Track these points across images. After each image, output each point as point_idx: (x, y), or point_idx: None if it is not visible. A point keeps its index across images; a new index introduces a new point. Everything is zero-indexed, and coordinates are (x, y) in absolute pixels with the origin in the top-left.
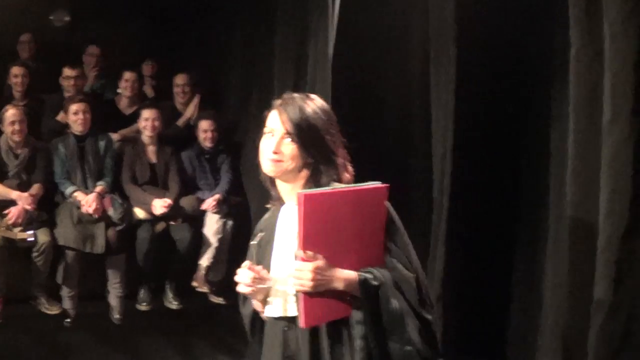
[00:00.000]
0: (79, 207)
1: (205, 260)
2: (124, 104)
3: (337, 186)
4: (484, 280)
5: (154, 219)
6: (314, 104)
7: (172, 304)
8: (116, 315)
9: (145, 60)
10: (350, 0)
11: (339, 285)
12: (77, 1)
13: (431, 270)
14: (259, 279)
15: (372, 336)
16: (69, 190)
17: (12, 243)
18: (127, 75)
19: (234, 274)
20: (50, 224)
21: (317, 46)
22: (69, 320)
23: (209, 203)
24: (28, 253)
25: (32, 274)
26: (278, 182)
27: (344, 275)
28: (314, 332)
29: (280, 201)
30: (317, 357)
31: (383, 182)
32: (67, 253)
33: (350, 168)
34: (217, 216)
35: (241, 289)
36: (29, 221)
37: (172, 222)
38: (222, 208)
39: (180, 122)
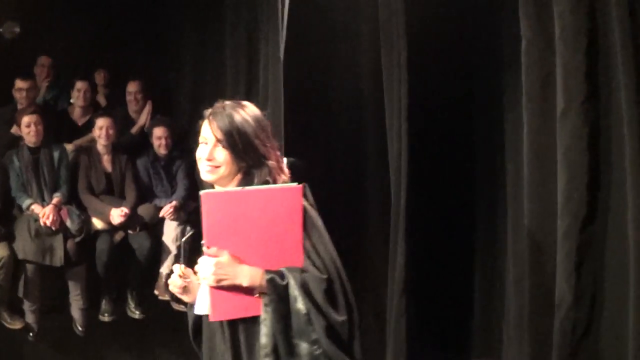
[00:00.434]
0: (36, 220)
1: (165, 268)
2: (77, 114)
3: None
4: (445, 276)
5: (112, 229)
6: (244, 111)
7: (135, 313)
8: (79, 327)
9: (97, 69)
10: (299, 1)
11: (244, 281)
12: (26, 12)
13: (392, 267)
14: (184, 277)
15: (279, 335)
16: (25, 203)
17: None
18: (79, 84)
19: None
20: (9, 238)
21: (268, 49)
22: (32, 334)
23: (167, 210)
24: None
25: None
26: (216, 186)
27: (250, 273)
28: (232, 327)
29: None
30: (236, 353)
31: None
32: (27, 266)
33: (285, 170)
34: (175, 223)
35: (171, 289)
36: None
37: (130, 231)
38: (180, 215)
39: (134, 129)
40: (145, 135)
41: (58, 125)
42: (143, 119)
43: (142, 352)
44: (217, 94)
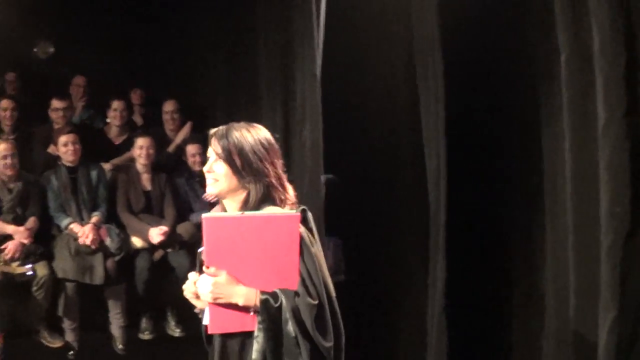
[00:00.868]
0: (75, 239)
1: None
2: (113, 133)
3: (255, 211)
4: (485, 289)
5: (152, 247)
6: (248, 130)
7: (175, 331)
8: (119, 346)
9: (133, 88)
10: (333, 16)
11: (239, 300)
12: (60, 32)
13: (432, 284)
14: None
15: (269, 353)
16: (64, 222)
17: (11, 278)
18: (116, 104)
19: None
20: (48, 257)
21: (304, 66)
22: (72, 352)
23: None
24: (27, 287)
25: (33, 307)
26: (225, 202)
27: (245, 293)
28: (226, 337)
29: None
30: None
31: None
32: (67, 285)
33: (288, 189)
34: None
35: (185, 294)
36: (26, 255)
37: (169, 250)
38: None
39: (171, 148)
40: (181, 154)
41: (95, 145)
42: (180, 137)
43: None
44: (252, 111)
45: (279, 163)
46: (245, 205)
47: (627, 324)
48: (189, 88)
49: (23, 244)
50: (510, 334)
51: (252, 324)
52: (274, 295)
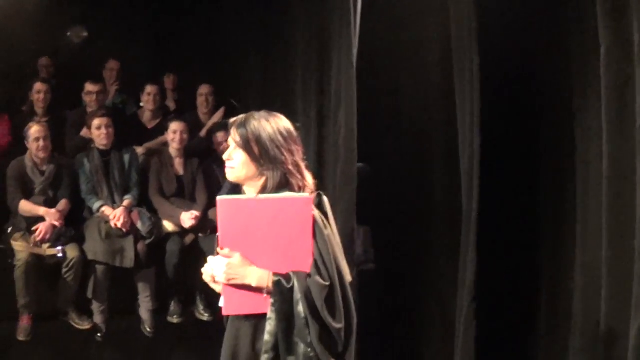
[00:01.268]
0: (107, 222)
1: None
2: (146, 118)
3: (272, 194)
4: (514, 282)
5: (183, 232)
6: (268, 120)
7: (204, 315)
8: (148, 329)
9: (166, 73)
10: (371, 8)
11: (252, 282)
12: (93, 17)
13: (462, 276)
14: None
15: (280, 333)
16: (96, 205)
17: (41, 259)
18: (150, 88)
19: None
20: (79, 240)
21: (341, 55)
22: (100, 335)
23: None
24: (57, 269)
25: (62, 289)
26: (244, 188)
27: (258, 274)
28: (239, 320)
29: None
30: (240, 344)
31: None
32: (97, 268)
33: (307, 176)
34: None
35: (204, 277)
36: (57, 237)
37: (200, 234)
38: None
39: (203, 132)
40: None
41: (127, 129)
42: (212, 122)
43: (211, 355)
44: (286, 99)
45: (298, 151)
46: (263, 191)
47: None
48: (222, 74)
49: (54, 226)
50: (538, 329)
51: (266, 306)
52: (287, 277)
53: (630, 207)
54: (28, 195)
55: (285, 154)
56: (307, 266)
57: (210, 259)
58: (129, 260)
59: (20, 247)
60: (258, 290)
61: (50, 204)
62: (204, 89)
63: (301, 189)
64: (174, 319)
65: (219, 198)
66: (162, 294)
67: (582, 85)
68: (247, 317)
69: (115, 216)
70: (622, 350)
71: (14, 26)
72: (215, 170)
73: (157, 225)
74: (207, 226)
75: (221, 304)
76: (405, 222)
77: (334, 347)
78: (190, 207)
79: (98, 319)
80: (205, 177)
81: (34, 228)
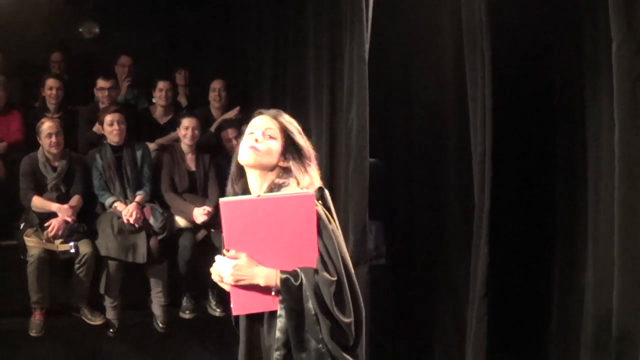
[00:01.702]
0: (119, 218)
1: None
2: (158, 113)
3: (270, 193)
4: (526, 277)
5: (195, 227)
6: (288, 117)
7: (215, 311)
8: (160, 324)
9: (178, 69)
10: (383, 3)
11: (260, 281)
12: (105, 13)
13: (474, 270)
14: None
15: (291, 331)
16: (108, 201)
17: (54, 255)
18: (161, 84)
19: None
20: (91, 235)
21: (353, 49)
22: (112, 330)
23: None
24: (69, 265)
25: (74, 285)
26: (249, 178)
27: (265, 273)
28: (251, 319)
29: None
30: (254, 343)
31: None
32: (109, 263)
33: (315, 177)
34: None
35: (213, 277)
36: (69, 233)
37: (213, 230)
38: None
39: (213, 127)
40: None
41: (139, 125)
42: (226, 116)
43: (222, 350)
44: (299, 94)
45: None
46: (272, 185)
47: None
48: (233, 70)
49: (66, 222)
50: (550, 325)
51: (275, 304)
52: (294, 274)
53: None
54: (40, 191)
55: (309, 153)
56: (312, 262)
57: (218, 258)
58: (141, 256)
59: (32, 243)
60: (266, 288)
61: (62, 199)
62: (216, 84)
63: (311, 184)
64: (186, 315)
65: (221, 200)
66: (174, 290)
67: (594, 80)
68: (258, 316)
69: (128, 212)
70: (634, 347)
71: (26, 23)
72: (227, 166)
73: (169, 220)
74: (219, 222)
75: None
76: (417, 217)
77: (345, 342)
78: (203, 202)
79: (110, 314)
80: (217, 172)
81: (46, 224)
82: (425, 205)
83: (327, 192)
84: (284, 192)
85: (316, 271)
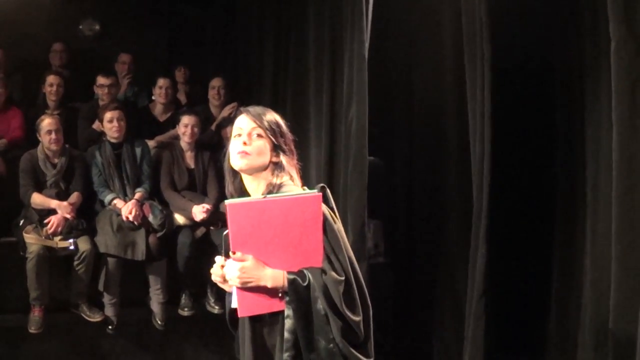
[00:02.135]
0: (118, 215)
1: None
2: (158, 111)
3: (277, 194)
4: (524, 276)
5: (194, 225)
6: (271, 113)
7: (214, 308)
8: (159, 321)
9: (177, 66)
10: (383, 2)
11: (268, 283)
12: (105, 10)
13: (472, 270)
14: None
15: (300, 331)
16: (107, 198)
17: (53, 252)
18: (162, 82)
19: None
20: (91, 232)
21: (353, 47)
22: (111, 327)
23: None
24: (69, 261)
25: (74, 282)
26: (244, 178)
27: (273, 275)
28: (254, 320)
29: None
30: (259, 343)
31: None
32: (108, 260)
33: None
34: None
35: (213, 278)
36: (69, 230)
37: (212, 227)
38: None
39: (214, 125)
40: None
41: (139, 122)
42: (224, 114)
43: (221, 347)
44: (298, 92)
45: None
46: (271, 185)
47: None
48: (233, 67)
49: (66, 219)
50: (548, 323)
51: (281, 304)
52: (301, 275)
53: (639, 202)
54: (40, 187)
55: (293, 147)
56: (318, 262)
57: (218, 259)
58: (140, 253)
59: (32, 240)
60: (273, 290)
61: (62, 196)
62: (216, 82)
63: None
64: (185, 312)
65: (227, 202)
66: (173, 287)
67: (593, 79)
68: (262, 317)
69: (127, 209)
70: (631, 345)
71: (27, 20)
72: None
73: (168, 218)
74: (218, 219)
75: (234, 305)
76: (417, 216)
77: (355, 340)
78: (202, 200)
79: (109, 311)
80: (217, 170)
81: (45, 221)
82: (425, 203)
83: (329, 190)
84: (286, 192)
85: (322, 271)
